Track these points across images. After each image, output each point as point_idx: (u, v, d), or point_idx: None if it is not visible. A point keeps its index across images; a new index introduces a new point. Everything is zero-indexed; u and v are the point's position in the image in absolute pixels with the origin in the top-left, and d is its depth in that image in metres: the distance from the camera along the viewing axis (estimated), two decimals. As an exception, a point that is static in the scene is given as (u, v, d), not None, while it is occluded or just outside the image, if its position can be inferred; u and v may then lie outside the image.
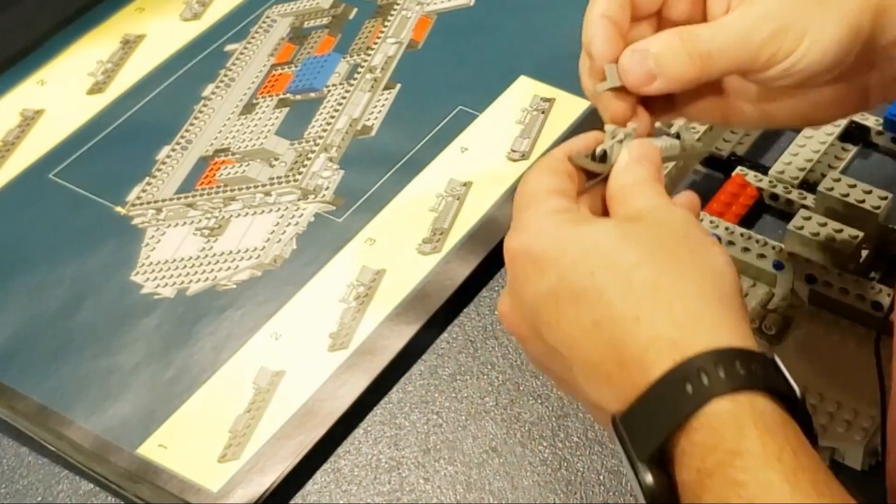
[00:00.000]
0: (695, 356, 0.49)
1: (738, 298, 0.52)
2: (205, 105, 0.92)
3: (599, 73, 0.61)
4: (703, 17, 0.61)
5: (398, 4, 0.98)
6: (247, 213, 0.84)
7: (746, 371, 0.49)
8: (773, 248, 0.75)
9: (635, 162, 0.58)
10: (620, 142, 0.59)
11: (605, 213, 0.58)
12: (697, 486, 0.48)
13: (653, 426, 0.49)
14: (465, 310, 0.78)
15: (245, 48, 0.96)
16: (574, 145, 0.59)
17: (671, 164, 0.80)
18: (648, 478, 0.49)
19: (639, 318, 0.51)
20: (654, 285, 0.51)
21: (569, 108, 0.89)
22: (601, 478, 0.69)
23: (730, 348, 0.49)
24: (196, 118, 0.90)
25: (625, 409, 0.50)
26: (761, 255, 0.75)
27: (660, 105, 0.61)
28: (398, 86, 0.92)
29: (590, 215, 0.57)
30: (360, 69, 0.93)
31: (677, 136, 0.61)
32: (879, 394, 0.65)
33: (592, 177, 0.59)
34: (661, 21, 0.62)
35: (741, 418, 0.48)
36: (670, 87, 0.59)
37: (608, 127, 0.59)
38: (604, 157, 0.58)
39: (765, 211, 0.82)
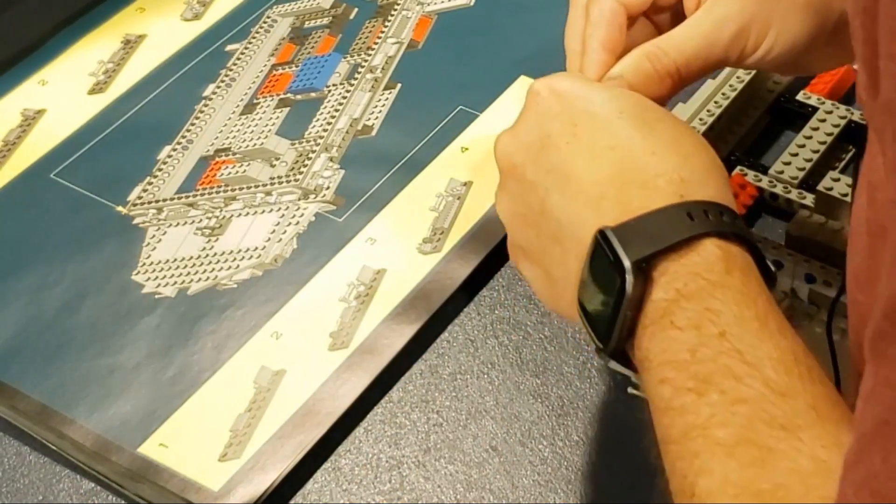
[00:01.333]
0: (699, 200, 0.53)
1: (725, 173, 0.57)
2: (205, 105, 0.92)
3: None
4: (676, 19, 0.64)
5: (398, 4, 0.99)
6: (247, 213, 0.84)
7: (741, 229, 0.53)
8: (773, 248, 0.75)
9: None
10: None
11: None
12: (672, 305, 0.51)
13: (650, 238, 0.52)
14: (465, 309, 0.78)
15: (246, 48, 0.96)
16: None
17: None
18: (630, 279, 0.51)
19: (655, 153, 0.55)
20: (674, 138, 0.55)
21: (569, 108, 0.89)
22: (601, 477, 0.69)
23: (723, 204, 0.53)
24: (197, 118, 0.91)
25: (621, 222, 0.53)
26: (761, 255, 0.75)
27: None
28: (398, 86, 0.92)
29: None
30: (360, 69, 0.93)
31: None
32: (834, 375, 0.65)
33: None
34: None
35: (731, 259, 0.52)
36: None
37: None
38: None
39: (765, 211, 0.82)
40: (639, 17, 0.64)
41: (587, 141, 0.56)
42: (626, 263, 0.51)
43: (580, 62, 0.63)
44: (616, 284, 0.52)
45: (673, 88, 0.61)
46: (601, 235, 0.53)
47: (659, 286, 0.51)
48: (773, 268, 0.54)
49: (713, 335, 0.49)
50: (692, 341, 0.50)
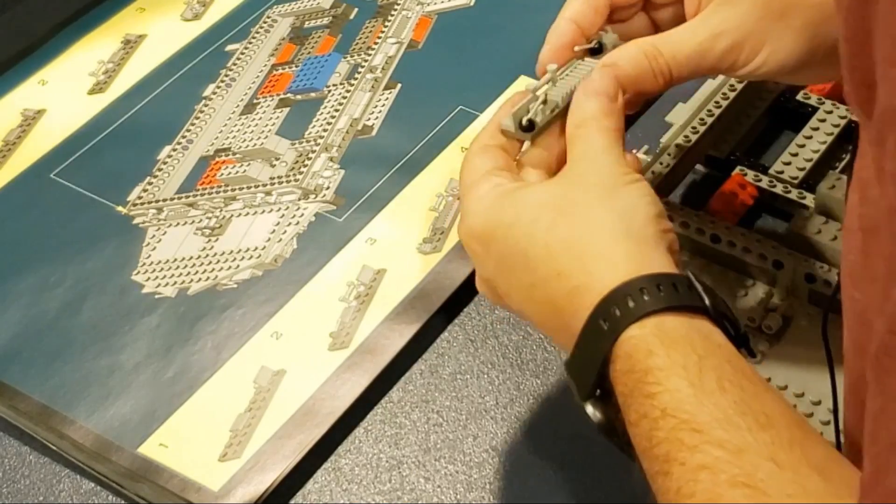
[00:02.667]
0: (606, 295, 0.53)
1: (650, 225, 0.56)
2: (206, 105, 0.92)
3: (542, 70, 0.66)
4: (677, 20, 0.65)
5: (398, 4, 0.99)
6: (248, 213, 0.84)
7: (652, 296, 0.53)
8: (773, 248, 0.75)
9: (586, 97, 0.62)
10: (545, 103, 0.62)
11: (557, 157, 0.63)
12: (624, 407, 0.53)
13: (586, 367, 0.54)
14: (465, 309, 0.78)
15: (246, 48, 0.96)
16: (503, 114, 0.64)
17: (670, 167, 0.80)
18: (596, 414, 0.54)
19: (560, 273, 0.56)
20: (567, 241, 0.56)
21: (569, 108, 0.89)
22: (601, 477, 0.69)
23: (638, 277, 0.53)
24: (197, 118, 0.91)
25: (569, 357, 0.56)
26: (761, 255, 0.75)
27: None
28: (399, 86, 0.92)
29: (518, 184, 0.61)
30: (360, 69, 0.93)
31: (599, 45, 0.65)
32: (829, 371, 0.66)
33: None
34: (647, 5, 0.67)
35: (648, 340, 0.52)
36: (639, 98, 0.64)
37: (529, 86, 0.63)
38: (531, 126, 0.62)
39: (765, 211, 0.82)
40: (635, 10, 0.66)
41: (516, 285, 0.59)
42: (585, 404, 0.55)
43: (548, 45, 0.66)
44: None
45: (662, 87, 0.63)
46: (567, 374, 0.56)
47: (616, 393, 0.54)
48: (706, 302, 0.54)
49: (657, 416, 0.51)
50: (646, 429, 0.51)
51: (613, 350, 0.53)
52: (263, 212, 0.84)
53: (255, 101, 0.92)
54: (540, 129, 0.63)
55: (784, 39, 0.61)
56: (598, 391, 0.54)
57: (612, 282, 0.54)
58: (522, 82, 0.91)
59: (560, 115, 0.63)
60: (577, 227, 0.57)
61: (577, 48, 0.64)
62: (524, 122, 0.62)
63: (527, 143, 0.64)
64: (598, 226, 0.56)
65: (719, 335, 0.53)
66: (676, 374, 0.51)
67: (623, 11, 0.67)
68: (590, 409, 0.54)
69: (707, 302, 0.54)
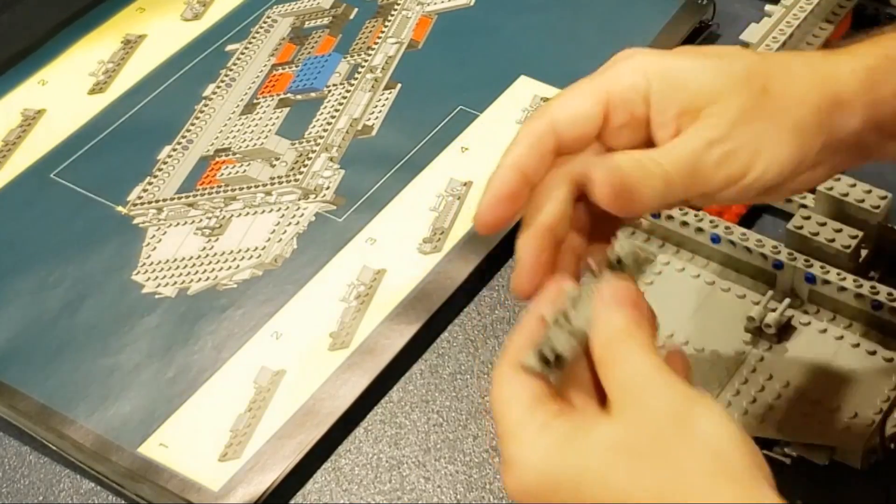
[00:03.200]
0: None
1: (747, 458, 0.50)
2: (206, 105, 0.92)
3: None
4: (649, 143, 0.57)
5: (398, 4, 0.99)
6: (248, 213, 0.84)
7: None
8: (773, 248, 0.75)
9: (609, 312, 0.53)
10: (570, 329, 0.53)
11: (594, 377, 0.54)
12: None
13: None
14: (465, 309, 0.78)
15: (246, 48, 0.96)
16: (517, 346, 0.54)
17: None
18: None
19: None
20: (655, 490, 0.49)
21: (569, 108, 0.89)
22: (601, 477, 0.69)
23: None
24: (197, 118, 0.91)
25: None
26: (761, 255, 0.75)
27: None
28: (399, 86, 0.92)
29: (571, 424, 0.52)
30: (360, 69, 0.93)
31: (617, 260, 0.55)
32: None
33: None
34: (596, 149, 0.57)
35: None
36: (644, 209, 0.55)
37: (547, 315, 0.53)
38: (560, 360, 0.53)
39: (765, 211, 0.82)
40: (585, 146, 0.57)
41: None
42: None
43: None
44: None
45: (653, 201, 0.55)
46: None
47: None
48: None
49: None
50: None
51: None
52: (263, 212, 0.84)
53: (255, 101, 0.92)
54: (569, 363, 0.53)
55: (780, 144, 0.55)
56: None
57: None
58: (522, 82, 0.91)
59: (586, 341, 0.53)
60: (663, 471, 0.49)
61: (590, 260, 0.55)
62: (550, 357, 0.52)
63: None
64: (688, 467, 0.49)
65: None
66: None
67: (573, 152, 0.57)
68: None
69: None
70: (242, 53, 0.95)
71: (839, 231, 0.75)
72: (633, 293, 0.54)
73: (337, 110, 0.90)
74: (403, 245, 0.81)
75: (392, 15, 0.98)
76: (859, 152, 0.59)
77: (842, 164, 0.59)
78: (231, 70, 0.94)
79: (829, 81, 0.57)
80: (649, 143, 0.57)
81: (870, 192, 0.76)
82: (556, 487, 0.51)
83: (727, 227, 0.77)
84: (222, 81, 0.93)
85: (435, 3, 0.98)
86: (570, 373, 0.53)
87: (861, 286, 0.73)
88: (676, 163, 0.55)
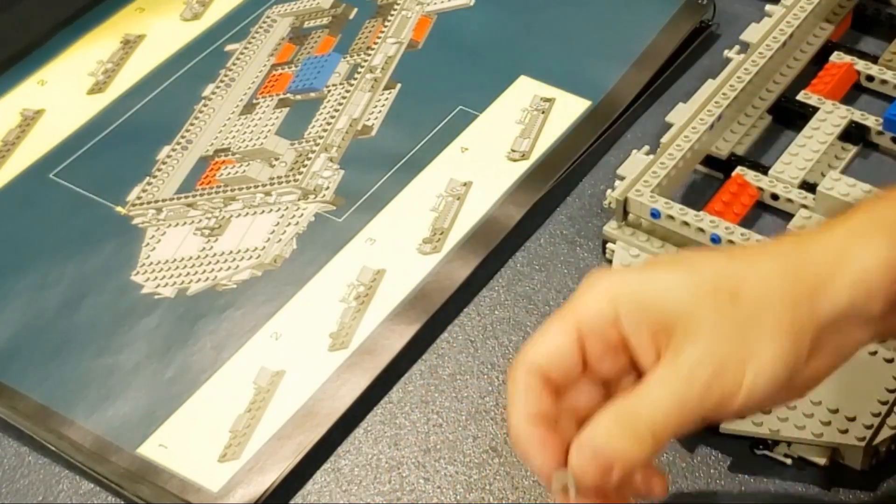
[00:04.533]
0: None
1: None
2: (205, 105, 0.92)
3: (549, 480, 0.56)
4: (633, 368, 0.56)
5: (398, 4, 0.98)
6: (247, 213, 0.84)
7: None
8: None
9: None
10: None
11: None
12: None
13: None
14: (465, 310, 0.78)
15: (245, 48, 0.96)
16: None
17: (670, 167, 0.80)
18: None
19: None
20: None
21: (569, 108, 0.89)
22: (601, 477, 0.69)
23: None
24: (196, 118, 0.91)
25: None
26: (761, 255, 0.75)
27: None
28: (398, 86, 0.92)
29: None
30: (360, 69, 0.93)
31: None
32: None
33: None
34: (590, 379, 0.57)
35: None
36: (630, 470, 0.54)
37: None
38: None
39: (765, 211, 0.82)
40: (573, 386, 0.57)
41: None
42: None
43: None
44: None
45: (655, 446, 0.53)
46: None
47: None
48: None
49: None
50: None
51: None
52: (263, 212, 0.84)
53: (254, 101, 0.92)
54: None
55: (760, 347, 0.53)
56: None
57: None
58: (522, 82, 0.91)
59: None
60: None
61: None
62: None
63: None
64: None
65: None
66: None
67: (565, 387, 0.57)
68: None
69: None
70: (242, 53, 0.95)
71: (839, 231, 0.75)
72: None
73: (336, 110, 0.90)
74: (403, 245, 0.81)
75: (392, 15, 0.98)
76: (873, 328, 0.56)
77: (852, 342, 0.56)
78: (230, 70, 0.94)
79: (801, 268, 0.54)
80: (635, 364, 0.56)
81: (870, 192, 0.76)
82: None
83: (727, 228, 0.77)
84: (222, 81, 0.93)
85: (435, 3, 0.98)
86: None
87: (861, 286, 0.73)
88: (660, 407, 0.53)
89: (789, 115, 0.87)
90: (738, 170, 0.82)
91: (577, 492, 0.54)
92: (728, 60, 0.88)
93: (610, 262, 0.78)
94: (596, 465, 0.53)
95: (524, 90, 0.91)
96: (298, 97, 0.92)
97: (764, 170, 0.82)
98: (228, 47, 0.96)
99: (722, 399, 0.53)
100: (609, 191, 0.80)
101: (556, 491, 0.55)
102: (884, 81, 0.88)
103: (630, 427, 0.53)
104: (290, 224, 0.83)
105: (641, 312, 0.55)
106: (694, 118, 0.83)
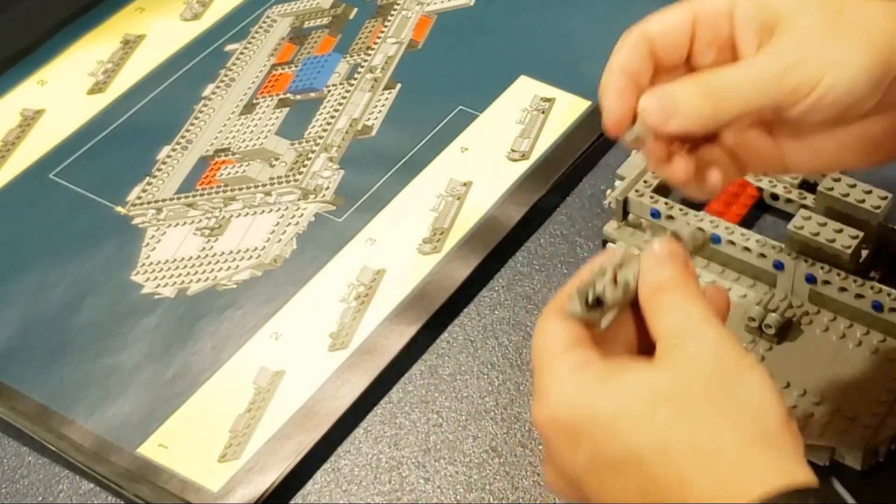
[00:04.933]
0: None
1: (784, 427, 0.50)
2: (205, 105, 0.92)
3: (615, 124, 0.59)
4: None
5: (398, 4, 0.98)
6: (247, 213, 0.84)
7: None
8: (773, 248, 0.75)
9: (658, 265, 0.55)
10: (614, 279, 0.54)
11: (638, 329, 0.55)
12: None
13: None
14: (465, 310, 0.78)
15: (245, 48, 0.96)
16: (571, 290, 0.55)
17: None
18: None
19: (682, 480, 0.49)
20: (692, 444, 0.49)
21: (569, 107, 0.89)
22: (601, 477, 0.69)
23: (782, 492, 0.48)
24: (196, 118, 0.91)
25: None
26: (761, 255, 0.75)
27: (712, 153, 0.60)
28: (398, 86, 0.92)
29: (615, 365, 0.53)
30: (360, 69, 0.93)
31: (675, 237, 0.57)
32: None
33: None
34: (691, 72, 0.60)
35: None
36: (688, 126, 0.57)
37: (596, 267, 0.55)
38: (598, 302, 0.54)
39: (765, 211, 0.82)
40: (669, 73, 0.60)
41: (619, 488, 0.50)
42: None
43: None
44: None
45: (715, 109, 0.57)
46: None
47: None
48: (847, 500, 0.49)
49: None
50: None
51: None
52: (263, 212, 0.83)
53: (254, 101, 0.92)
54: (609, 309, 0.54)
55: (851, 59, 0.56)
56: None
57: (752, 495, 0.47)
58: (522, 82, 0.91)
59: (631, 297, 0.55)
60: (703, 428, 0.49)
61: (647, 235, 0.58)
62: (590, 298, 0.54)
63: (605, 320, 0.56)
64: (729, 427, 0.49)
65: None
66: None
67: (665, 73, 0.60)
68: None
69: None
70: (242, 53, 0.95)
71: (840, 231, 0.75)
72: (683, 254, 0.55)
73: (336, 110, 0.90)
74: (403, 245, 0.81)
75: (392, 15, 0.98)
76: None
77: None
78: (230, 70, 0.94)
79: None
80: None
81: (870, 192, 0.76)
82: (590, 421, 0.51)
83: (728, 228, 0.77)
84: (221, 81, 0.93)
85: (435, 3, 0.98)
86: (611, 331, 0.55)
87: (862, 286, 0.73)
88: (742, 75, 0.57)
89: (789, 115, 0.87)
90: (738, 170, 0.82)
91: (644, 141, 0.58)
92: (728, 60, 0.88)
93: (610, 262, 0.78)
94: (660, 105, 0.57)
95: (524, 90, 0.91)
96: (298, 97, 0.92)
97: (764, 170, 0.82)
98: (228, 47, 0.96)
99: (798, 87, 0.56)
100: (609, 191, 0.80)
101: (629, 139, 0.59)
102: (884, 81, 0.88)
103: (702, 83, 0.57)
104: (290, 224, 0.83)
105: (755, 9, 0.58)
106: (694, 118, 0.83)
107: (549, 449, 0.53)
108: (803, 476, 0.49)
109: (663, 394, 0.50)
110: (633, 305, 0.55)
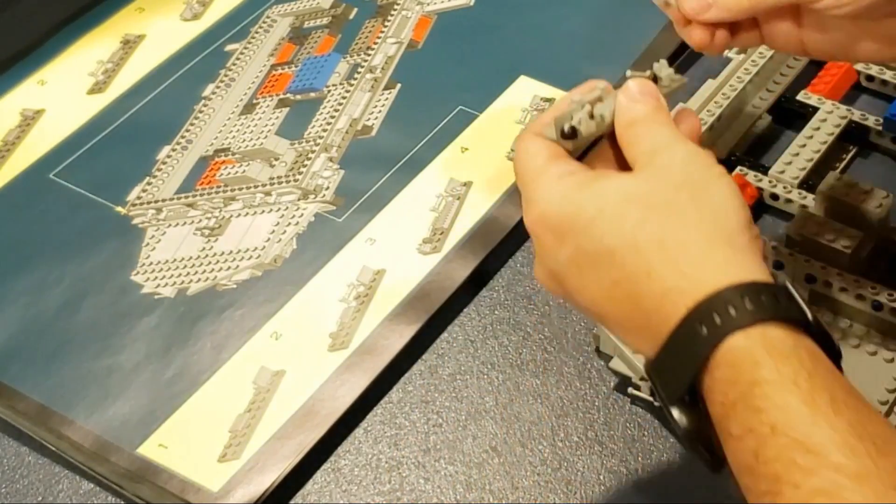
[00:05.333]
0: (705, 299, 0.51)
1: (745, 231, 0.54)
2: (205, 105, 0.92)
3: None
4: None
5: (398, 4, 0.98)
6: (247, 213, 0.84)
7: (755, 304, 0.51)
8: (774, 248, 0.75)
9: (634, 102, 0.59)
10: (590, 113, 0.59)
11: (617, 157, 0.60)
12: (723, 419, 0.50)
13: (677, 371, 0.52)
14: (465, 310, 0.78)
15: (245, 48, 0.96)
16: (548, 117, 0.60)
17: None
18: (682, 419, 0.52)
19: (650, 273, 0.53)
20: (659, 240, 0.54)
21: (569, 108, 0.89)
22: (601, 477, 0.69)
23: (738, 284, 0.51)
24: (196, 118, 0.91)
25: (652, 358, 0.53)
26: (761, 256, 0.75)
27: (742, 28, 0.65)
28: (398, 86, 0.92)
29: (595, 173, 0.58)
30: (360, 69, 0.93)
31: (654, 77, 0.60)
32: None
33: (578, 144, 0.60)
34: None
35: (755, 350, 0.50)
36: (724, 17, 0.62)
37: (575, 98, 0.59)
38: (573, 134, 0.59)
39: (765, 211, 0.82)
40: None
41: (595, 280, 0.55)
42: (670, 408, 0.53)
43: None
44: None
45: (750, 3, 0.62)
46: (648, 375, 0.54)
47: (710, 403, 0.51)
48: (808, 316, 0.52)
49: (766, 433, 0.48)
50: (752, 445, 0.49)
51: (712, 357, 0.51)
52: (263, 212, 0.83)
53: (254, 101, 0.92)
54: (583, 140, 0.59)
55: None
56: (686, 397, 0.52)
57: (711, 286, 0.51)
58: (522, 82, 0.91)
59: (605, 131, 0.59)
60: (670, 227, 0.54)
61: (629, 73, 0.60)
62: (566, 128, 0.58)
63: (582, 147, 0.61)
64: (693, 227, 0.54)
65: (821, 353, 0.51)
66: (787, 390, 0.49)
67: None
68: (676, 413, 0.52)
69: (809, 316, 0.52)
70: (242, 53, 0.95)
71: (840, 231, 0.75)
72: (656, 91, 0.59)
73: (336, 110, 0.90)
74: (403, 245, 0.81)
75: (392, 15, 0.98)
76: None
77: None
78: (230, 70, 0.94)
79: None
80: None
81: (870, 192, 0.76)
82: (572, 222, 0.56)
83: (727, 228, 0.77)
84: (221, 81, 0.93)
85: (435, 3, 0.98)
86: (591, 164, 0.59)
87: (861, 286, 0.73)
88: None
89: (789, 115, 0.87)
90: (738, 170, 0.82)
91: (671, 7, 0.63)
92: (728, 60, 0.88)
93: (610, 262, 0.78)
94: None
95: (524, 90, 0.91)
96: (298, 97, 0.92)
97: (764, 170, 0.82)
98: (228, 47, 0.96)
99: None
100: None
101: (660, 3, 0.64)
102: (884, 82, 0.88)
103: None
104: (290, 224, 0.83)
105: None
106: (694, 118, 0.83)
107: (538, 247, 0.58)
108: (760, 275, 0.52)
109: (635, 198, 0.55)
110: (611, 140, 0.59)
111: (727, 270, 0.52)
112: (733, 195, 0.55)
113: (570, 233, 0.56)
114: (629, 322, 0.54)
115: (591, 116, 0.58)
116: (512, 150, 0.86)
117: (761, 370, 0.49)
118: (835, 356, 0.52)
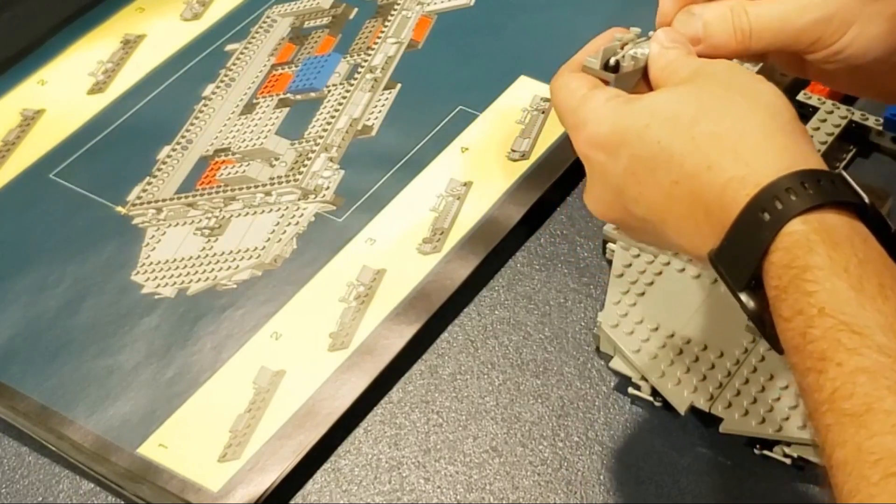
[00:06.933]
0: (766, 186, 0.53)
1: (797, 124, 0.56)
2: (205, 105, 0.92)
3: (660, 24, 0.65)
4: None
5: (398, 4, 0.98)
6: (247, 213, 0.84)
7: (815, 189, 0.52)
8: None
9: (666, 48, 0.61)
10: (632, 51, 0.62)
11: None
12: (777, 301, 0.52)
13: (742, 258, 0.53)
14: (465, 310, 0.78)
15: (245, 48, 0.96)
16: (590, 49, 0.63)
17: None
18: (750, 303, 0.54)
19: (710, 166, 0.54)
20: (715, 134, 0.55)
21: (569, 108, 0.89)
22: (601, 477, 0.69)
23: (797, 171, 0.53)
24: (196, 118, 0.91)
25: (717, 248, 0.54)
26: (761, 255, 0.75)
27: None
28: (398, 86, 0.92)
29: (638, 95, 0.59)
30: (360, 69, 0.93)
31: (616, 64, 0.63)
32: None
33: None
34: None
35: (811, 236, 0.52)
36: (712, 53, 0.62)
37: (616, 35, 0.62)
38: (616, 67, 0.61)
39: (765, 211, 0.82)
40: None
41: (654, 185, 0.57)
42: (739, 293, 0.54)
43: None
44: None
45: (740, 45, 0.62)
46: (713, 265, 0.55)
47: (767, 287, 0.53)
48: (865, 200, 0.53)
49: (814, 314, 0.50)
50: (801, 325, 0.51)
51: (773, 242, 0.52)
52: (263, 212, 0.83)
53: (254, 101, 0.92)
54: (621, 76, 0.61)
55: (873, 23, 0.61)
56: (752, 282, 0.54)
57: (771, 174, 0.53)
58: (522, 82, 0.91)
59: (638, 75, 0.62)
60: (725, 121, 0.55)
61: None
62: (612, 62, 0.61)
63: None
64: (747, 119, 0.55)
65: (875, 240, 0.53)
66: (837, 275, 0.50)
67: None
68: (744, 297, 0.54)
69: (866, 199, 0.54)
70: (242, 53, 0.95)
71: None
72: (684, 39, 0.62)
73: (337, 110, 0.90)
74: (403, 245, 0.81)
75: (392, 15, 0.98)
76: None
77: None
78: (230, 70, 0.94)
79: None
80: None
81: (870, 192, 0.76)
82: (624, 133, 0.57)
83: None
84: (222, 81, 0.93)
85: (435, 3, 0.98)
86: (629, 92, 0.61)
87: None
88: (769, 19, 0.62)
89: (789, 115, 0.87)
90: (739, 170, 0.82)
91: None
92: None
93: (610, 262, 0.78)
94: (691, 30, 0.62)
95: (524, 90, 0.91)
96: (298, 97, 0.92)
97: (764, 170, 0.82)
98: (228, 47, 0.96)
99: (818, 42, 0.62)
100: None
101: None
102: (884, 81, 0.88)
103: (735, 20, 0.62)
104: (290, 224, 0.83)
105: None
106: (694, 118, 0.83)
107: (589, 171, 0.59)
108: (816, 162, 0.54)
109: (686, 100, 0.57)
110: (645, 84, 0.62)
111: (785, 158, 0.54)
112: (781, 95, 0.57)
113: (622, 144, 0.57)
114: (690, 219, 0.55)
115: (628, 53, 0.62)
116: (512, 149, 0.86)
117: (815, 256, 0.51)
118: (892, 242, 0.53)
